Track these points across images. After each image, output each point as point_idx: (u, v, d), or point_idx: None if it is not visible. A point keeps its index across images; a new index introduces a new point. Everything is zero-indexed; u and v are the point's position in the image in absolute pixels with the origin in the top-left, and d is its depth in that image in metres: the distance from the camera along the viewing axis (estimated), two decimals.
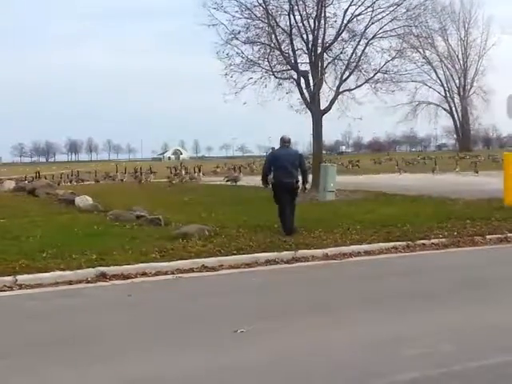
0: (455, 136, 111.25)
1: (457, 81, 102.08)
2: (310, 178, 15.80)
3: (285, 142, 13.69)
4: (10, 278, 9.09)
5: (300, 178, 13.55)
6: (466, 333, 6.52)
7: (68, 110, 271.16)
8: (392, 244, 12.08)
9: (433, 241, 12.42)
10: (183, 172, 40.76)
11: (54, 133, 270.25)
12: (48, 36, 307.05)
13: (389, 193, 21.50)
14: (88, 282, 9.34)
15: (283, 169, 13.28)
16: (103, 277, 9.52)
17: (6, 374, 5.57)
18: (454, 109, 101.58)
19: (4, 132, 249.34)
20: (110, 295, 8.72)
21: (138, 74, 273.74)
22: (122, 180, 39.96)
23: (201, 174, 38.90)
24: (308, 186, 14.73)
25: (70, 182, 40.41)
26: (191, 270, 10.10)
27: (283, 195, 13.35)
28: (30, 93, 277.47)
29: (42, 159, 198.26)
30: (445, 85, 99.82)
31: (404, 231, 13.05)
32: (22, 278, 9.17)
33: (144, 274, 9.77)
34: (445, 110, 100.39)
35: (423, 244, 12.22)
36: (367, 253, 11.60)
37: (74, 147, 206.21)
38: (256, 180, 28.49)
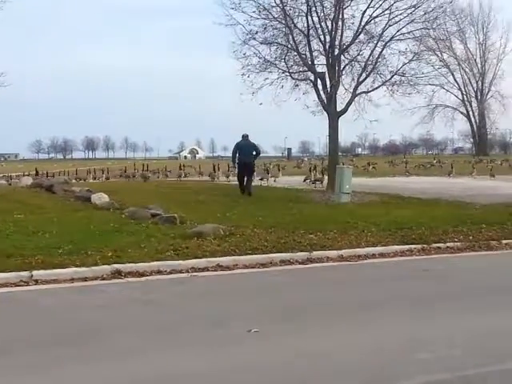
0: (472, 140, 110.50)
1: (474, 84, 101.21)
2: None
3: (244, 136, 21.59)
4: (26, 273, 9.18)
5: (254, 156, 21.67)
6: (478, 338, 6.51)
7: (85, 107, 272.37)
8: (407, 247, 12.08)
9: (448, 244, 12.39)
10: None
11: (71, 130, 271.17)
12: (66, 33, 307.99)
13: (404, 195, 21.42)
14: (103, 278, 9.41)
15: (245, 153, 21.41)
16: (118, 274, 9.58)
17: (16, 370, 5.61)
18: (471, 112, 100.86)
19: (22, 129, 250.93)
20: (125, 293, 8.75)
21: (156, 73, 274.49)
22: (133, 177, 40.14)
23: (219, 173, 38.88)
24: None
25: (85, 180, 40.47)
26: (206, 269, 10.14)
27: (244, 170, 21.42)
28: (47, 90, 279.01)
29: (60, 156, 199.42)
30: (462, 88, 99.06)
31: (419, 234, 13.02)
32: (38, 273, 9.25)
33: (159, 272, 9.83)
34: (462, 113, 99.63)
35: (438, 247, 12.20)
36: (382, 255, 11.59)
37: (91, 144, 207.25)
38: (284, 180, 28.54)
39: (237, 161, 21.68)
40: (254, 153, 21.72)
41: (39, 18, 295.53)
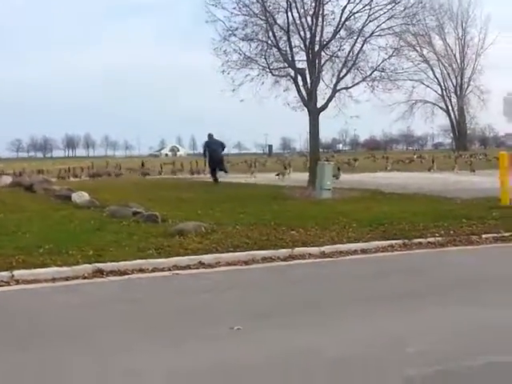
0: (452, 135, 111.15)
1: (454, 80, 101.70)
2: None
3: (210, 135, 27.96)
4: (6, 273, 9.10)
5: (221, 151, 28.36)
6: (459, 333, 6.54)
7: (65, 105, 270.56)
8: (388, 242, 12.10)
9: (429, 239, 12.42)
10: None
11: (51, 128, 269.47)
12: (45, 35, 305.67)
13: (385, 191, 21.51)
14: (85, 277, 9.35)
15: (214, 149, 27.51)
16: (100, 273, 9.52)
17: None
18: (450, 108, 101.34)
19: (1, 128, 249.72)
20: (107, 291, 8.73)
21: (135, 71, 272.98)
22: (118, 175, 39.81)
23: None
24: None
25: (66, 178, 39.66)
26: (188, 267, 10.11)
27: (214, 163, 27.86)
28: (27, 88, 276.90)
29: (40, 155, 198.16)
30: (442, 83, 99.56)
31: (400, 229, 13.05)
32: (19, 273, 9.18)
33: (141, 271, 9.78)
34: (441, 108, 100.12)
35: (419, 243, 12.22)
36: (363, 251, 11.60)
37: (71, 143, 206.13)
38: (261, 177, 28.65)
39: (208, 155, 28.05)
40: (221, 148, 28.32)
41: (21, 17, 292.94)
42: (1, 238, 11.66)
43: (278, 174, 31.33)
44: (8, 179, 29.99)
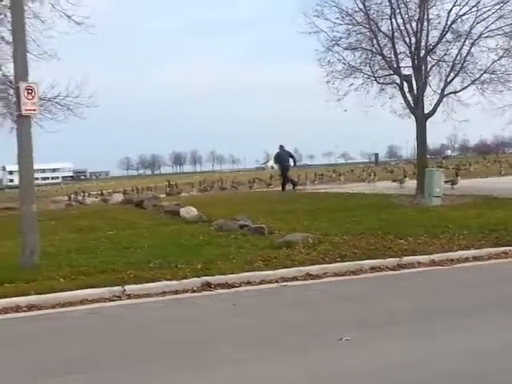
0: None
1: None
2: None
3: (281, 146, 30.72)
4: (118, 288, 9.35)
5: (292, 161, 31.42)
6: None
7: (172, 123, 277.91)
8: (502, 249, 11.67)
9: None
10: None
11: (159, 146, 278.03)
12: (142, 52, 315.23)
13: (499, 196, 20.76)
14: (193, 291, 9.48)
15: (284, 159, 30.44)
16: (208, 286, 9.63)
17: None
18: None
19: (112, 147, 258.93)
20: (216, 304, 8.79)
21: (239, 86, 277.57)
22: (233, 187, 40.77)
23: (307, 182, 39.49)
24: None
25: (173, 193, 40.51)
26: (295, 278, 10.08)
27: (284, 172, 30.61)
28: (134, 107, 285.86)
29: (148, 172, 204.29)
30: None
31: None
32: (130, 287, 9.40)
33: (248, 283, 9.83)
34: None
35: None
36: (475, 258, 11.24)
37: (178, 159, 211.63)
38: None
39: (279, 164, 31.25)
40: (291, 159, 31.25)
41: (120, 37, 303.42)
42: (113, 253, 11.99)
43: (395, 181, 31.78)
44: (119, 197, 31.00)
